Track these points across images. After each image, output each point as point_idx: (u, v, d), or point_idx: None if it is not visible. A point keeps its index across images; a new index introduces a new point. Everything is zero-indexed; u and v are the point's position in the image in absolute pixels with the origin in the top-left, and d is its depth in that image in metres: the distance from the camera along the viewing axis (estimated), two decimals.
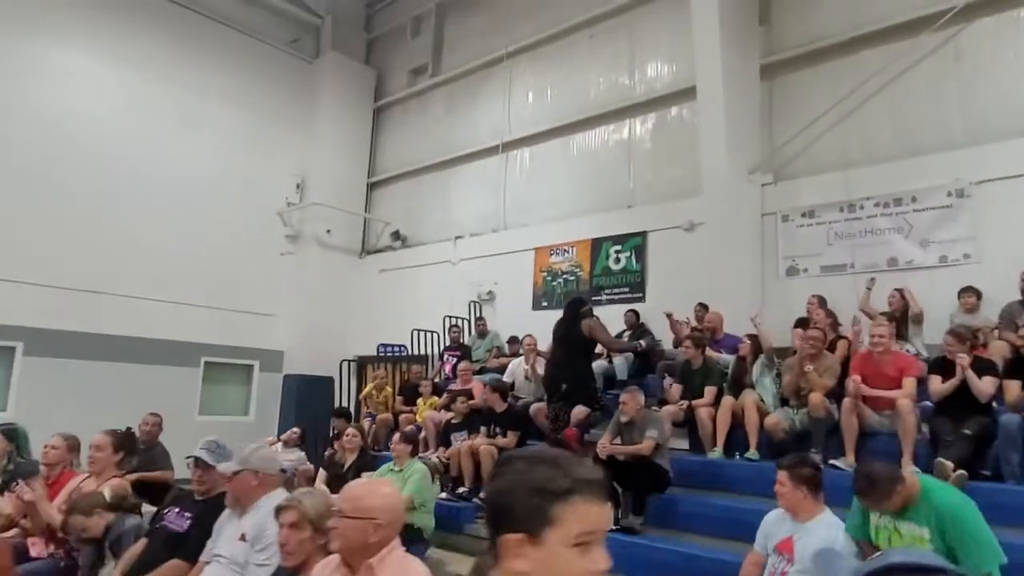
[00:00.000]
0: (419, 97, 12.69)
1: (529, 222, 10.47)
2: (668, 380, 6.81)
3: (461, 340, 9.80)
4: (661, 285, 8.68)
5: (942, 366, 5.16)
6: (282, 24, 12.98)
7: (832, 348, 6.26)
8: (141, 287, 10.51)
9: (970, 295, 6.15)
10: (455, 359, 9.43)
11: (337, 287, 12.47)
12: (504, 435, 6.53)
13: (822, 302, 6.82)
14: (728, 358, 6.68)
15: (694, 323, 7.46)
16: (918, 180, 6.89)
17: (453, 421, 7.06)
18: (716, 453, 5.86)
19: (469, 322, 10.38)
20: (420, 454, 6.91)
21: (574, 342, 6.32)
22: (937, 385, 5.12)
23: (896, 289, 6.42)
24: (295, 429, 7.95)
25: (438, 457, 6.71)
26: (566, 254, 9.78)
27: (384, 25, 13.61)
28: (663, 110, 9.21)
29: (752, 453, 5.69)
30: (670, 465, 5.56)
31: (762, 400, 6.04)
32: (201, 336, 11.20)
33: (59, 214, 9.84)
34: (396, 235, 12.36)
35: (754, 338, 6.35)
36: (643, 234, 8.96)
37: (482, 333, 9.92)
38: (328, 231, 12.45)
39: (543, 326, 9.15)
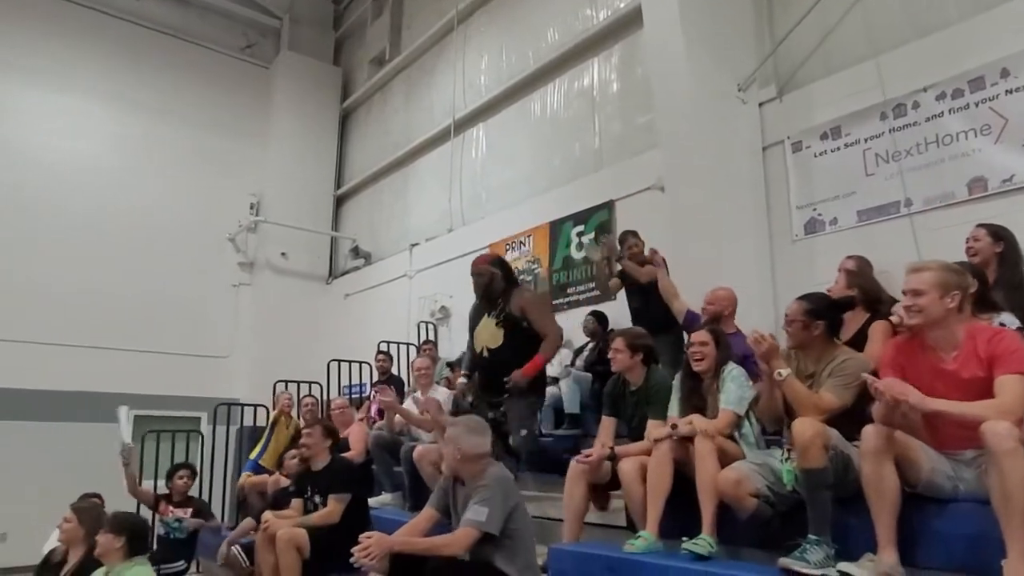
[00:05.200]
0: (381, 90, 10.75)
1: (485, 213, 8.09)
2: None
3: (393, 371, 7.46)
4: None
5: None
6: (235, 29, 11.53)
7: (861, 338, 3.47)
8: (53, 333, 9.00)
9: None
10: None
11: (299, 319, 10.52)
12: (324, 503, 4.09)
13: (862, 266, 4.00)
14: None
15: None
16: (1009, 40, 3.99)
17: (290, 488, 4.71)
18: (641, 541, 3.15)
19: (418, 349, 8.05)
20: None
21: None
22: None
23: (980, 226, 3.53)
24: None
25: (235, 549, 4.32)
26: (523, 247, 7.30)
27: (350, 18, 11.89)
28: (631, 36, 6.67)
29: (700, 541, 2.96)
30: (536, 569, 2.95)
31: (739, 439, 3.34)
32: (131, 386, 9.52)
33: None
34: (356, 251, 10.33)
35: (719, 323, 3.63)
36: (608, 205, 6.36)
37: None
38: (283, 254, 10.60)
39: None
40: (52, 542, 4.89)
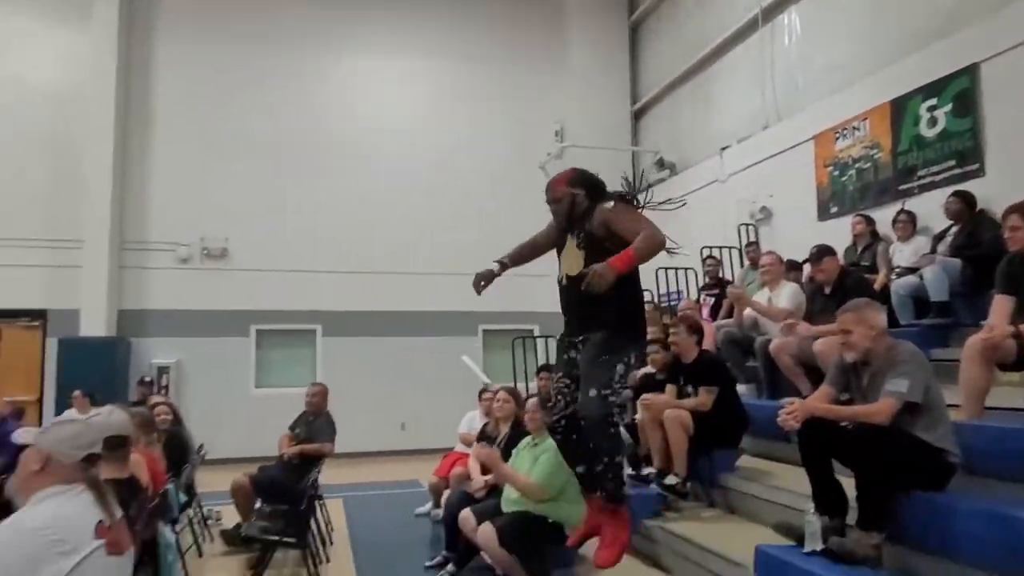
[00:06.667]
0: None
1: (805, 103, 7.63)
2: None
3: (721, 275, 7.62)
4: (1010, 144, 5.28)
5: None
6: None
7: None
8: (420, 263, 10.89)
9: None
10: (714, 299, 7.40)
11: None
12: (696, 392, 4.53)
13: None
14: None
15: None
16: None
17: (658, 376, 5.23)
18: None
19: (741, 252, 8.08)
20: None
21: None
22: None
23: None
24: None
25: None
26: (856, 132, 6.77)
27: None
28: None
29: None
30: (953, 440, 2.97)
31: None
32: (481, 305, 11.08)
33: (341, 205, 10.73)
34: (661, 163, 10.47)
35: None
36: (971, 69, 5.58)
37: (754, 263, 7.55)
38: None
39: (834, 241, 6.63)
40: (467, 423, 6.15)
